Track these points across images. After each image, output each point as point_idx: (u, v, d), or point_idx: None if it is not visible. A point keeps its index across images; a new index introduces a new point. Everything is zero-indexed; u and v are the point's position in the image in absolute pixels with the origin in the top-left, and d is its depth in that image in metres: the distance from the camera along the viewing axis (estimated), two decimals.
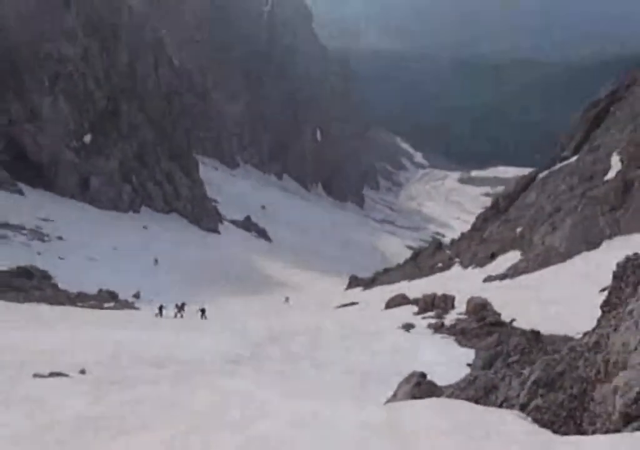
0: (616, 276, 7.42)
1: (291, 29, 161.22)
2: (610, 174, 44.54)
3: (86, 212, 66.65)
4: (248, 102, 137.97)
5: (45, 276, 40.75)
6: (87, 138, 72.14)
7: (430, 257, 67.05)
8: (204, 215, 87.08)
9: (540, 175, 61.72)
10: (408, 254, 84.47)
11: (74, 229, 57.67)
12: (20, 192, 62.05)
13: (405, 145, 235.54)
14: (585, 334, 7.47)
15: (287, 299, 53.24)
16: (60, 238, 54.80)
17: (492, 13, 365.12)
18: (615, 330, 6.01)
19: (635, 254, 7.35)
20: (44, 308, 30.36)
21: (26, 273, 39.20)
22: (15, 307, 28.59)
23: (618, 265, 7.48)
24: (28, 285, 36.44)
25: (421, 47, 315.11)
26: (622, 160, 44.03)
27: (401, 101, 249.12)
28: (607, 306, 7.30)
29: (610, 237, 36.96)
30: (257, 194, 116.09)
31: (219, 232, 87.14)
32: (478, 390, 7.86)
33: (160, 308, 33.73)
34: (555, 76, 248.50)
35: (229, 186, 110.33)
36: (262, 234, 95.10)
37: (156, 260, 59.44)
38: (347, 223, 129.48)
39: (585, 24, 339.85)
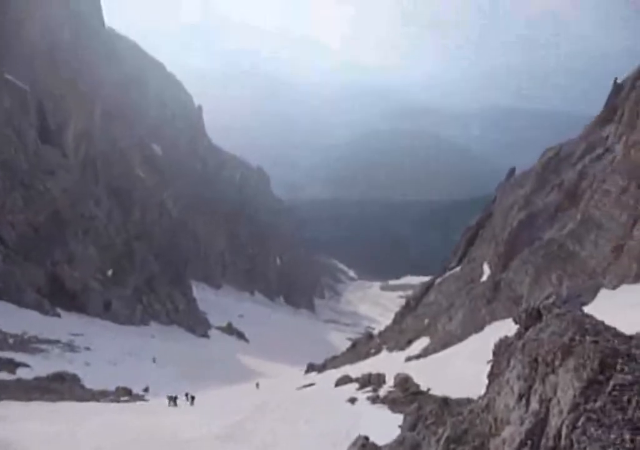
0: (495, 353, 7.46)
1: (255, 188, 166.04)
2: (484, 277, 45.63)
3: (108, 327, 64.01)
4: (227, 240, 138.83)
5: (75, 379, 38.22)
6: (109, 272, 70.97)
7: (365, 345, 65.88)
8: (197, 325, 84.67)
9: (437, 281, 62.62)
10: (348, 344, 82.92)
11: (98, 341, 55.05)
12: (58, 315, 59.53)
13: (341, 265, 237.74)
14: (479, 398, 7.38)
15: (257, 385, 49.99)
16: (87, 348, 52.03)
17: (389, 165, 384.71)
18: (498, 394, 5.98)
19: (505, 336, 7.45)
20: (73, 405, 28.27)
21: (60, 377, 36.75)
22: (52, 406, 26.57)
23: (495, 345, 7.54)
24: (61, 387, 34.05)
25: (351, 195, 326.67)
26: (490, 267, 45.34)
27: (337, 235, 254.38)
28: (491, 376, 7.27)
29: (489, 322, 37.25)
30: (236, 306, 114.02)
31: (208, 337, 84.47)
32: (406, 448, 7.58)
33: (170, 398, 32.03)
34: (442, 211, 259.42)
35: (215, 302, 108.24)
36: (241, 336, 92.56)
37: (154, 359, 56.61)
38: (303, 324, 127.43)
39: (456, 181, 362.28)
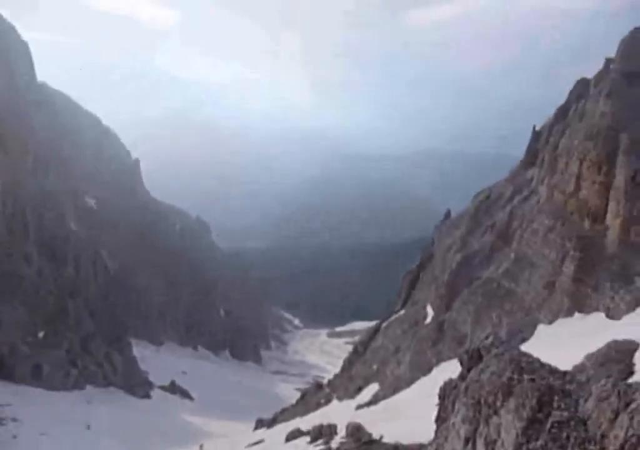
0: (440, 396, 7.48)
1: (196, 239, 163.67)
2: (428, 319, 46.35)
3: (38, 394, 59.47)
4: (168, 294, 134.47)
5: None
6: (41, 334, 66.80)
7: (314, 395, 64.53)
8: (138, 385, 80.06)
9: (383, 325, 62.89)
10: (298, 395, 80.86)
11: (27, 410, 50.95)
12: None
13: (286, 314, 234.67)
14: (429, 444, 7.33)
15: (201, 447, 47.16)
16: (14, 419, 47.96)
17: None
18: (446, 440, 5.97)
19: (450, 379, 7.50)
20: None
21: None
22: None
23: (440, 388, 7.57)
24: None
25: (295, 241, 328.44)
26: (433, 309, 46.17)
27: (281, 281, 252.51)
28: (439, 420, 7.27)
29: (436, 364, 37.57)
30: (179, 363, 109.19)
31: (150, 397, 79.92)
32: None
33: None
34: (382, 254, 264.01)
35: (156, 360, 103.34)
36: (185, 394, 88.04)
37: (88, 426, 52.89)
38: (249, 377, 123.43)
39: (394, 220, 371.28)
